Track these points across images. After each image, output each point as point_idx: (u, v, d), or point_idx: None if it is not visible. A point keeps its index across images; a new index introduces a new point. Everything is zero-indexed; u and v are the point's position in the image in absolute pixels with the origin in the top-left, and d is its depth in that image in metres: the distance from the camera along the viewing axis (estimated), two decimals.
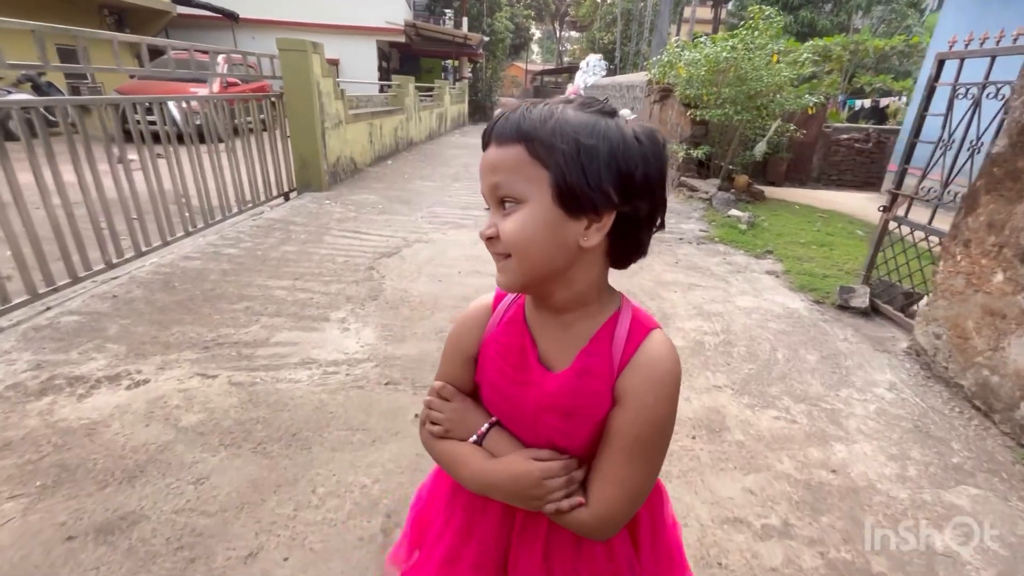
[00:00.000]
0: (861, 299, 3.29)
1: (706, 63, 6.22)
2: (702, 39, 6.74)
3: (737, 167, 6.94)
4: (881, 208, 3.30)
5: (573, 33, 48.63)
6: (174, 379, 2.28)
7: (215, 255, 3.80)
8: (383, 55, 19.45)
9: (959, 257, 2.41)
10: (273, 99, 5.53)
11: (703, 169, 7.14)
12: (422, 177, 7.46)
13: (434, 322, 2.98)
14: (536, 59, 68.00)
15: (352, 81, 16.28)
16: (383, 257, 4.01)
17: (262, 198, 5.27)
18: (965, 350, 2.33)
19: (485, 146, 0.59)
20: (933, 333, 2.54)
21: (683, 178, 6.91)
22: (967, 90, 2.78)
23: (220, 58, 9.73)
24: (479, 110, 23.23)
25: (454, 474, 0.69)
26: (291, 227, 4.60)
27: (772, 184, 8.78)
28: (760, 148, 6.69)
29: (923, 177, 3.02)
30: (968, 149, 2.67)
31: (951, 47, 2.93)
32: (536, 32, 54.16)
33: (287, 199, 5.80)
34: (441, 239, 4.54)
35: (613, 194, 0.54)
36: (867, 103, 15.97)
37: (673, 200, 6.55)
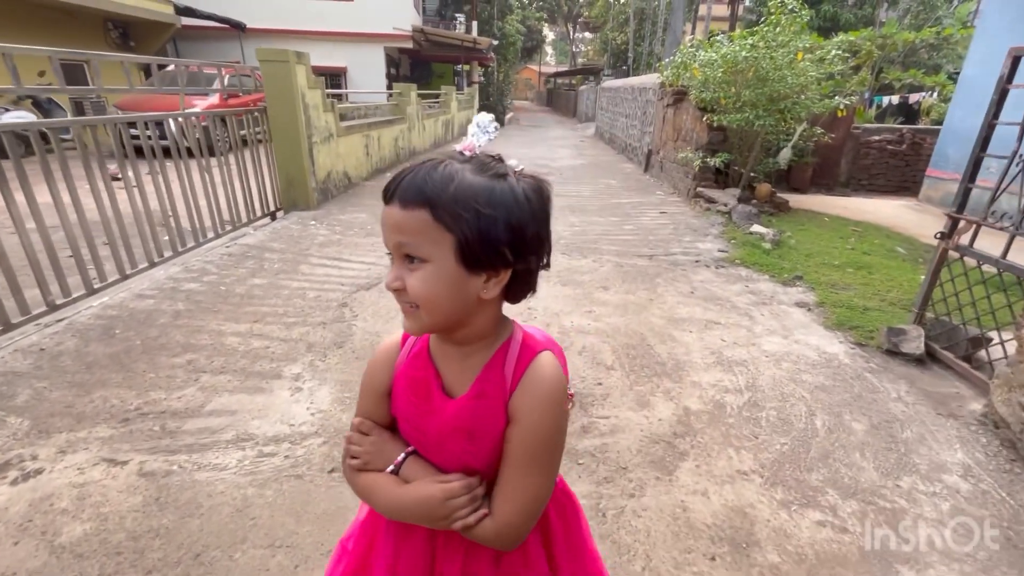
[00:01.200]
0: (915, 343, 2.75)
1: (723, 64, 5.69)
2: (718, 37, 6.21)
3: (759, 175, 6.38)
4: (939, 235, 2.76)
5: (586, 34, 48.07)
6: (73, 468, 1.88)
7: (172, 292, 3.42)
8: (392, 62, 19.22)
9: None
10: (256, 113, 5.18)
11: (721, 177, 6.60)
12: None
13: None
14: (550, 61, 67.63)
15: (354, 91, 16.07)
16: (360, 290, 3.59)
17: (244, 219, 4.92)
18: None
19: (387, 200, 0.64)
20: (1019, 403, 2.01)
21: (700, 188, 6.37)
22: None
23: (223, 69, 9.59)
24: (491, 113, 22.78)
25: (372, 503, 0.75)
26: (266, 254, 4.22)
27: (796, 191, 8.17)
28: (785, 155, 6.13)
29: (993, 199, 2.47)
30: None
31: None
32: (549, 34, 53.76)
33: (274, 219, 5.44)
34: None
35: (509, 254, 0.63)
36: (895, 100, 15.12)
37: (690, 213, 6.02)
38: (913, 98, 15.19)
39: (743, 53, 5.40)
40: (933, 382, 2.61)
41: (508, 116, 25.30)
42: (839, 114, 5.73)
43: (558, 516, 0.80)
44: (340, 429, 2.14)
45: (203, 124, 4.53)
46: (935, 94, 13.96)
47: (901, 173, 8.43)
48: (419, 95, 10.48)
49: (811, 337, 3.05)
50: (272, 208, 5.49)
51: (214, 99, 10.57)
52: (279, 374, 2.54)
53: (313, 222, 5.22)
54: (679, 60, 6.67)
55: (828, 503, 1.83)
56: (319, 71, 16.51)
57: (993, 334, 2.51)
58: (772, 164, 6.23)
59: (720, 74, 5.73)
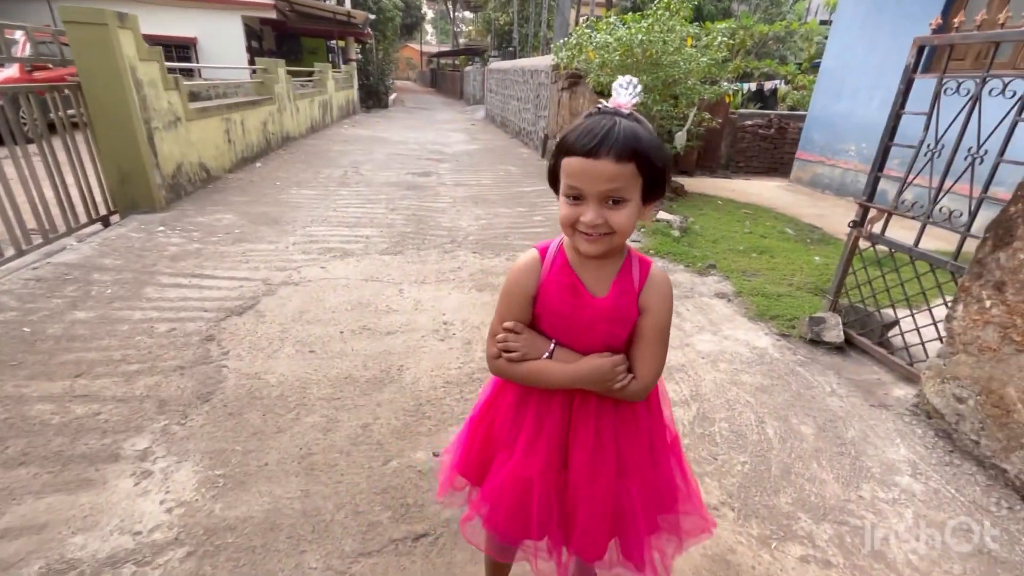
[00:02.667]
0: (834, 332, 2.78)
1: (619, 47, 5.58)
2: (611, 19, 6.10)
3: None
4: (851, 223, 2.80)
5: (467, 14, 47.10)
6: None
7: None
8: (252, 33, 17.04)
9: (988, 303, 1.88)
10: (66, 90, 4.01)
11: None
12: (299, 184, 6.16)
13: (300, 433, 1.98)
14: (431, 40, 65.55)
15: (209, 66, 14.00)
16: (231, 316, 2.88)
17: (61, 229, 3.82)
18: (1007, 425, 1.81)
19: (593, 155, 0.78)
20: (954, 395, 2.02)
21: None
22: (958, 84, 2.27)
23: (20, 35, 7.59)
24: (372, 95, 21.38)
25: (538, 381, 0.96)
26: (94, 275, 3.26)
27: (684, 174, 8.52)
28: (681, 139, 6.24)
29: (902, 189, 2.52)
30: (967, 157, 2.17)
31: (934, 29, 2.41)
32: (428, 12, 51.85)
33: (106, 225, 4.33)
34: (319, 277, 3.46)
35: (664, 185, 0.86)
36: (752, 87, 16.68)
37: None
38: (767, 86, 16.87)
39: (639, 36, 5.32)
40: (856, 370, 2.65)
41: (392, 97, 23.92)
42: (727, 99, 5.94)
43: (653, 391, 1.03)
44: (212, 530, 1.57)
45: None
46: (783, 82, 15.62)
47: (771, 155, 9.17)
48: (289, 72, 9.26)
49: (738, 331, 2.98)
50: (104, 212, 4.37)
51: (12, 71, 8.47)
52: (116, 454, 1.85)
53: (162, 228, 4.22)
54: (574, 42, 6.48)
55: (804, 531, 1.67)
56: (161, 41, 14.18)
57: (907, 321, 2.58)
58: (671, 149, 6.32)
59: (617, 58, 5.61)
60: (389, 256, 3.91)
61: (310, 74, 12.27)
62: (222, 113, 6.06)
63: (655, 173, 0.81)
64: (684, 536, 1.09)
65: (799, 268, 3.94)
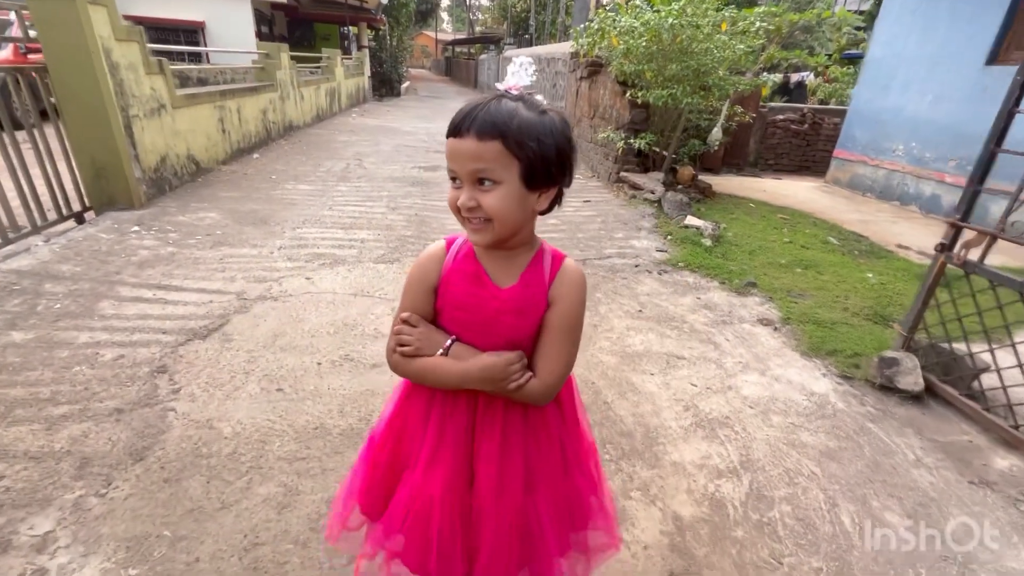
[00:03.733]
0: (911, 377, 2.29)
1: (646, 32, 5.04)
2: (637, 2, 5.55)
3: (682, 157, 5.93)
4: (939, 247, 2.28)
5: (483, 1, 46.22)
6: None
7: None
8: (262, 18, 16.65)
9: None
10: (32, 73, 3.62)
11: (643, 160, 6.06)
12: (296, 177, 5.73)
13: (248, 511, 1.55)
14: (447, 27, 64.76)
15: (216, 50, 13.61)
16: (192, 340, 2.46)
17: (25, 227, 3.44)
18: None
19: (458, 134, 0.76)
20: None
21: (623, 173, 5.78)
22: None
23: (13, 16, 7.25)
24: (384, 84, 20.89)
25: (430, 380, 0.88)
26: (45, 286, 2.87)
27: (709, 171, 7.96)
28: (717, 135, 5.72)
29: (1012, 206, 2.00)
30: None
31: None
32: None
33: (80, 222, 3.95)
34: (302, 291, 3.03)
35: (557, 174, 0.80)
36: (777, 79, 15.89)
37: (615, 202, 5.40)
38: (794, 78, 16.07)
39: (669, 20, 4.78)
40: (941, 428, 2.16)
41: (404, 85, 23.41)
42: (763, 91, 5.39)
43: (565, 391, 0.98)
44: None
45: None
46: (811, 74, 14.82)
47: (803, 152, 8.56)
48: (294, 58, 8.82)
49: (790, 370, 2.50)
50: (77, 208, 3.99)
51: (6, 52, 8.15)
52: (6, 541, 1.44)
53: (136, 228, 3.82)
54: (595, 27, 5.95)
55: None
56: (168, 24, 13.80)
57: (1013, 371, 2.08)
58: (699, 146, 5.79)
59: (644, 44, 5.08)
60: (384, 265, 3.47)
61: (318, 60, 11.82)
62: (215, 100, 5.64)
63: (532, 155, 0.76)
64: (592, 554, 1.03)
65: (852, 288, 3.43)
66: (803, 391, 2.34)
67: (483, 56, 27.06)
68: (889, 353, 2.39)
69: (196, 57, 14.36)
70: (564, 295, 0.87)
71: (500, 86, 0.80)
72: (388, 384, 2.22)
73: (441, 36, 53.35)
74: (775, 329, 2.89)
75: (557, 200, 0.86)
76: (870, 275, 3.69)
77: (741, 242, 4.22)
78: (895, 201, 5.98)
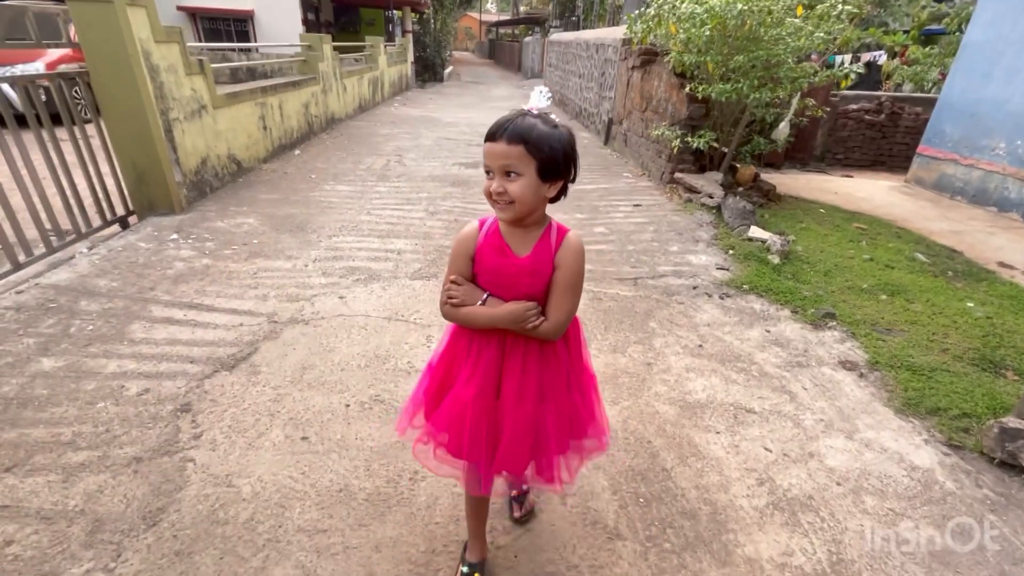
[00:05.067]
0: None
1: (711, 19, 4.56)
2: None
3: (744, 155, 5.44)
4: None
5: None
6: None
7: None
8: (309, 5, 16.68)
9: None
10: (74, 78, 3.58)
11: (699, 157, 5.59)
12: (336, 176, 5.61)
13: None
14: (491, 8, 63.74)
15: (265, 45, 13.72)
16: (219, 372, 2.34)
17: (69, 236, 3.45)
18: None
19: (493, 139, 1.04)
20: None
21: (678, 174, 5.35)
22: None
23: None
24: (428, 69, 20.70)
25: (471, 323, 1.18)
26: (80, 303, 2.82)
27: (771, 167, 7.37)
28: (784, 131, 5.21)
29: None
30: None
31: None
32: None
33: (125, 227, 3.95)
34: (334, 313, 2.87)
35: (564, 171, 1.08)
36: (846, 60, 14.63)
37: (668, 206, 5.00)
38: (865, 57, 14.74)
39: (738, 6, 4.29)
40: None
41: (447, 71, 23.12)
42: (843, 83, 4.81)
43: (572, 330, 1.27)
44: None
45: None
46: (883, 56, 13.52)
47: (878, 146, 7.79)
48: (336, 48, 8.70)
49: (883, 433, 2.13)
50: (121, 212, 3.99)
51: (66, 50, 8.40)
52: None
53: (175, 236, 3.77)
54: (652, 13, 5.48)
55: None
56: (218, 14, 14.02)
57: None
58: (764, 145, 5.28)
59: (707, 33, 4.61)
60: (420, 282, 3.27)
61: (361, 48, 11.70)
62: (256, 98, 5.57)
63: (544, 156, 1.03)
64: (585, 453, 1.35)
65: (950, 322, 2.97)
66: (902, 463, 1.98)
67: (527, 38, 26.37)
68: (1012, 422, 1.99)
69: (246, 51, 14.58)
70: (566, 261, 1.12)
71: (525, 107, 1.06)
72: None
73: (485, 18, 52.55)
74: (861, 376, 2.50)
75: (563, 191, 1.12)
76: (971, 304, 3.20)
77: (813, 258, 3.78)
78: (991, 207, 5.29)
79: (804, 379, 2.46)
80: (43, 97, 3.30)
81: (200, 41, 14.89)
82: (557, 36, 14.13)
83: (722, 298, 3.22)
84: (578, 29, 17.81)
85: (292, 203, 4.63)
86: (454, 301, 1.16)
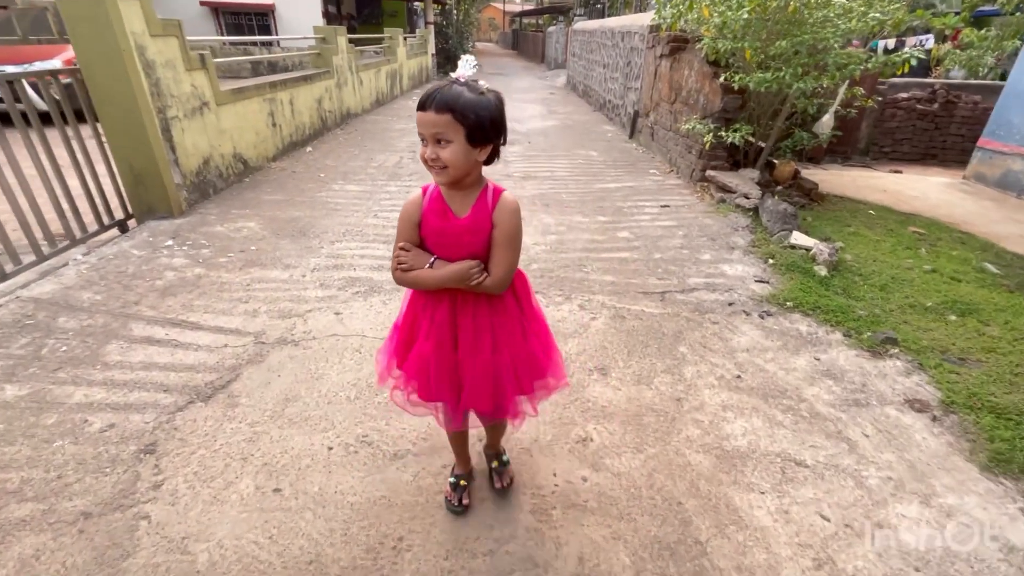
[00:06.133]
0: None
1: (749, 2, 4.12)
2: None
3: (784, 150, 4.98)
4: None
5: None
6: None
7: None
8: None
9: None
10: (63, 74, 3.39)
11: (733, 152, 5.15)
12: (345, 175, 5.37)
13: None
14: None
15: (286, 38, 13.59)
16: (192, 403, 2.10)
17: (61, 241, 3.29)
18: None
19: (423, 109, 1.10)
20: None
21: (709, 172, 4.93)
22: None
23: None
24: (449, 60, 20.37)
25: (421, 285, 1.27)
26: (58, 320, 2.62)
27: (810, 161, 6.85)
28: (828, 124, 4.74)
29: None
30: None
31: None
32: None
33: (124, 231, 3.78)
34: (327, 332, 2.61)
35: (492, 135, 1.15)
36: (891, 44, 13.72)
37: (699, 207, 4.60)
38: (910, 42, 13.80)
39: None
40: None
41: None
42: (899, 71, 4.31)
43: (519, 283, 1.38)
44: None
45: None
46: (931, 40, 12.59)
47: (929, 138, 7.18)
48: (352, 41, 8.45)
49: (969, 499, 1.76)
50: (121, 216, 3.82)
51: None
52: None
53: (170, 242, 3.57)
54: None
55: None
56: (239, 9, 13.95)
57: None
58: (807, 139, 4.81)
59: (744, 16, 4.17)
60: None
61: (379, 41, 11.45)
62: (264, 93, 5.35)
63: (472, 123, 1.09)
64: (548, 390, 1.48)
65: None
66: (997, 542, 1.61)
67: (551, 28, 25.78)
68: None
69: (267, 45, 14.52)
70: (503, 218, 1.22)
71: (453, 75, 1.14)
72: (411, 491, 1.74)
73: (509, 7, 51.83)
74: (934, 419, 2.12)
75: (495, 153, 1.21)
76: None
77: (866, 269, 3.35)
78: None
79: (864, 423, 2.09)
80: (56, 95, 3.15)
81: (223, 35, 14.90)
82: (581, 25, 13.62)
83: (762, 317, 2.84)
84: (603, 17, 17.21)
85: (297, 205, 4.40)
86: (403, 266, 1.25)
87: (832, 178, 5.75)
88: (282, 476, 1.78)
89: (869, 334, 2.64)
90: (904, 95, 7.04)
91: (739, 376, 2.36)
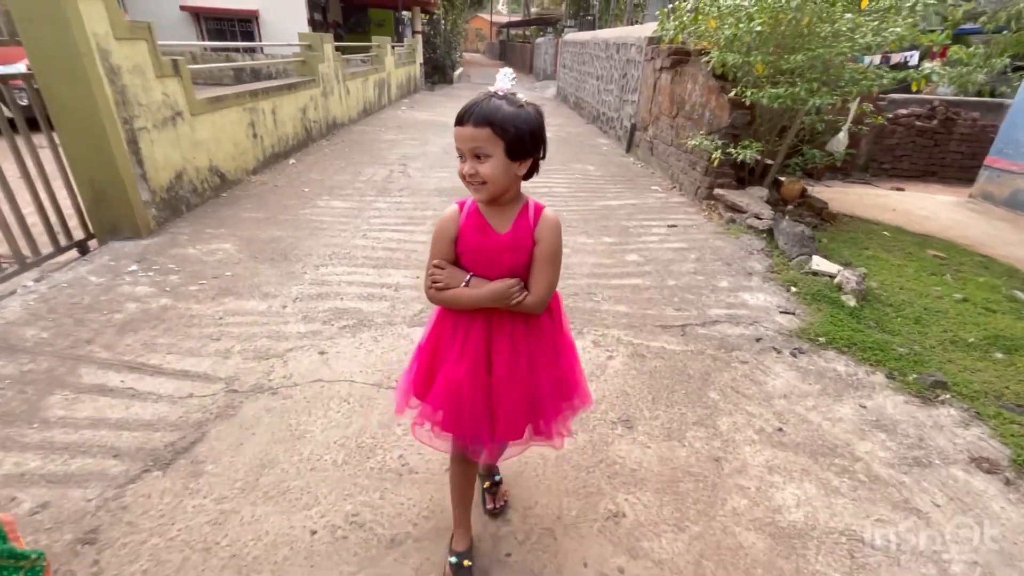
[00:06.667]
0: None
1: (762, 13, 3.94)
2: None
3: (795, 169, 4.79)
4: None
5: None
6: None
7: None
8: (314, 5, 16.21)
9: None
10: (16, 79, 3.04)
11: (738, 169, 4.94)
12: (332, 189, 5.04)
13: None
14: (502, 9, 63.27)
15: (270, 44, 13.27)
16: (148, 471, 1.76)
17: (9, 266, 2.91)
18: None
19: (461, 123, 1.07)
20: None
21: (717, 190, 4.71)
22: None
23: None
24: (437, 70, 20.19)
25: (456, 304, 1.21)
26: None
27: (811, 178, 6.70)
28: (842, 142, 4.58)
29: None
30: None
31: None
32: None
33: (84, 252, 3.41)
34: (310, 377, 2.28)
35: (532, 149, 1.12)
36: (876, 60, 13.84)
37: (708, 227, 4.36)
38: (895, 59, 13.96)
39: None
40: None
41: (457, 72, 22.60)
42: (914, 86, 4.16)
43: (553, 300, 1.29)
44: None
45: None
46: (915, 56, 12.74)
47: (929, 155, 7.10)
48: (339, 49, 8.15)
49: None
50: (81, 236, 3.45)
51: None
52: None
53: (134, 266, 3.21)
54: (688, 7, 4.85)
55: None
56: (223, 15, 13.62)
57: None
58: (821, 157, 4.63)
59: (757, 28, 3.98)
60: (420, 330, 2.65)
61: (367, 49, 11.17)
62: (244, 102, 5.01)
63: (511, 136, 1.06)
64: (575, 411, 1.40)
65: None
66: None
67: (539, 39, 25.77)
68: None
69: (250, 51, 14.15)
70: (545, 235, 1.17)
71: (491, 88, 1.10)
72: None
73: (496, 18, 52.04)
74: (1007, 483, 1.86)
75: (535, 168, 1.17)
76: None
77: (895, 298, 3.13)
78: None
79: (931, 487, 1.83)
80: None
81: (204, 41, 14.48)
82: (572, 36, 13.51)
83: (795, 355, 2.58)
84: (593, 28, 17.17)
85: (279, 223, 4.06)
86: (438, 285, 1.19)
87: (837, 196, 5.59)
88: (254, 574, 1.45)
89: (915, 376, 2.40)
90: (904, 111, 6.96)
91: (781, 429, 2.09)
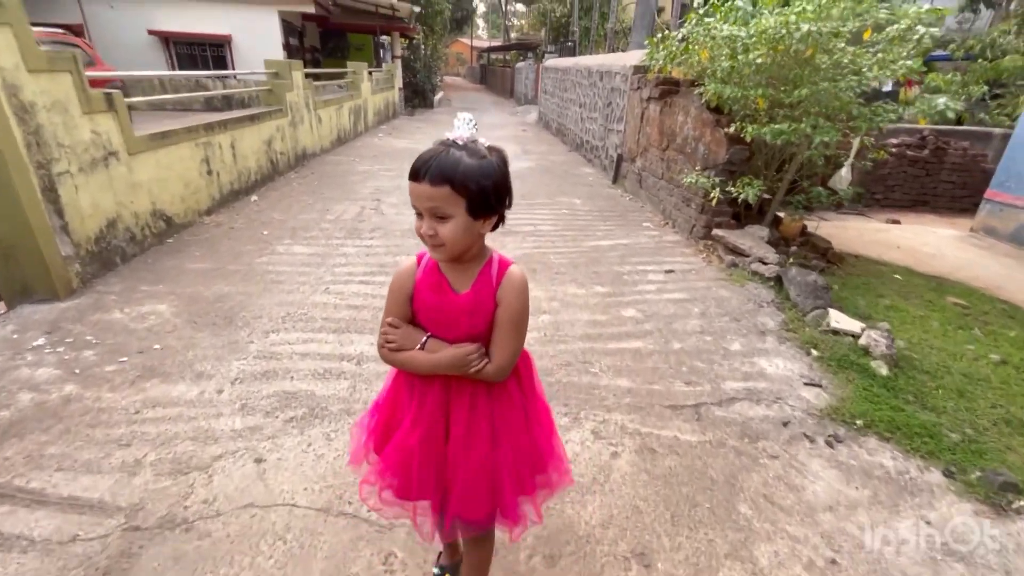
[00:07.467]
0: None
1: (762, 44, 3.65)
2: (738, 2, 4.14)
3: (797, 206, 4.49)
4: None
5: (519, 7, 45.12)
6: None
7: None
8: (292, 30, 15.90)
9: None
10: None
11: (732, 205, 4.62)
12: (295, 231, 4.56)
13: None
14: (482, 35, 64.16)
15: (244, 72, 12.87)
16: None
17: None
18: None
19: (416, 179, 0.96)
20: None
21: (715, 231, 4.37)
22: None
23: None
24: (418, 94, 20.00)
25: (411, 368, 1.10)
26: None
27: (805, 210, 6.44)
28: (845, 179, 4.31)
29: None
30: None
31: None
32: (480, 5, 50.31)
33: None
34: (240, 498, 1.79)
35: (496, 204, 1.01)
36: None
37: (709, 273, 3.99)
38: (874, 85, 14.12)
39: (804, 26, 3.38)
40: None
41: (438, 96, 22.42)
42: (921, 122, 3.91)
43: (522, 364, 1.19)
44: None
45: None
46: (890, 84, 12.87)
47: (920, 184, 6.94)
48: (311, 76, 7.76)
49: None
50: None
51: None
52: None
53: (42, 339, 2.68)
54: (679, 36, 4.57)
55: None
56: (194, 39, 13.16)
57: None
58: (826, 196, 4.34)
59: (757, 60, 3.69)
60: None
61: (342, 76, 10.81)
62: (197, 137, 4.54)
63: (473, 194, 0.95)
64: (552, 488, 1.26)
65: None
66: None
67: (520, 64, 25.87)
68: None
69: (222, 79, 13.71)
70: (508, 297, 1.06)
71: (449, 135, 0.98)
72: None
73: (477, 43, 52.61)
74: None
75: (500, 221, 1.07)
76: None
77: (928, 362, 2.77)
78: None
79: None
80: None
81: (173, 68, 13.98)
82: (553, 62, 13.38)
83: (831, 445, 2.18)
84: (573, 54, 17.16)
85: (228, 276, 3.56)
86: (391, 345, 1.10)
87: (836, 231, 5.32)
88: None
89: (977, 475, 2.01)
90: (894, 141, 6.81)
91: (834, 561, 1.66)
